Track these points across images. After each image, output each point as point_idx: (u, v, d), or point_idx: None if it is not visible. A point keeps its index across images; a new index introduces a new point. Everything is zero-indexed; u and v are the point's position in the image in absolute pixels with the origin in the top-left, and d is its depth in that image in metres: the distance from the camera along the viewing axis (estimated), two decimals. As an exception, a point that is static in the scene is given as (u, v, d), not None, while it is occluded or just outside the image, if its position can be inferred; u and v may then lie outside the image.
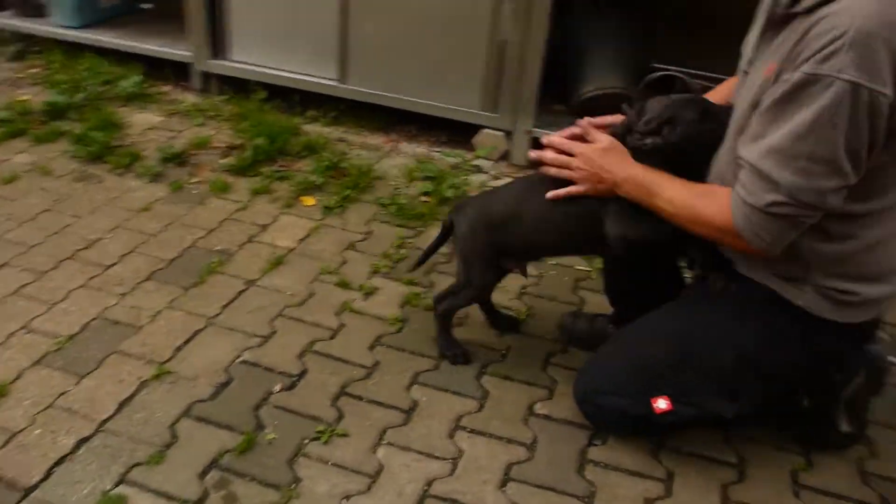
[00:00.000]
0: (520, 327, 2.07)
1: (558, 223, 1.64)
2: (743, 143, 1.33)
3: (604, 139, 1.57)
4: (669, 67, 2.82)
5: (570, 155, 1.58)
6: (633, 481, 1.62)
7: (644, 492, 1.59)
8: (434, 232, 2.47)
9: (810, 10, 1.24)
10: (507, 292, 2.23)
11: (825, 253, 1.38)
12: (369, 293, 2.18)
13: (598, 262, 2.35)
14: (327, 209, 2.58)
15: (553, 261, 2.39)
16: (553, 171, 1.61)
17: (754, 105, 1.32)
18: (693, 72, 2.81)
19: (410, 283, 2.24)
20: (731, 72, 1.64)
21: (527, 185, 1.76)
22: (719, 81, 2.05)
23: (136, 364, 1.85)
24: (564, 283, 2.30)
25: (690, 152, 1.49)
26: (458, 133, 3.09)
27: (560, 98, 3.03)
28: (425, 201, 2.67)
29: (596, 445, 1.71)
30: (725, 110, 1.47)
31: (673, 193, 1.44)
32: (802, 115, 1.21)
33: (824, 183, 1.24)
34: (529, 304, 2.18)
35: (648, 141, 1.50)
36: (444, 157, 2.98)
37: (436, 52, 2.87)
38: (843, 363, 1.60)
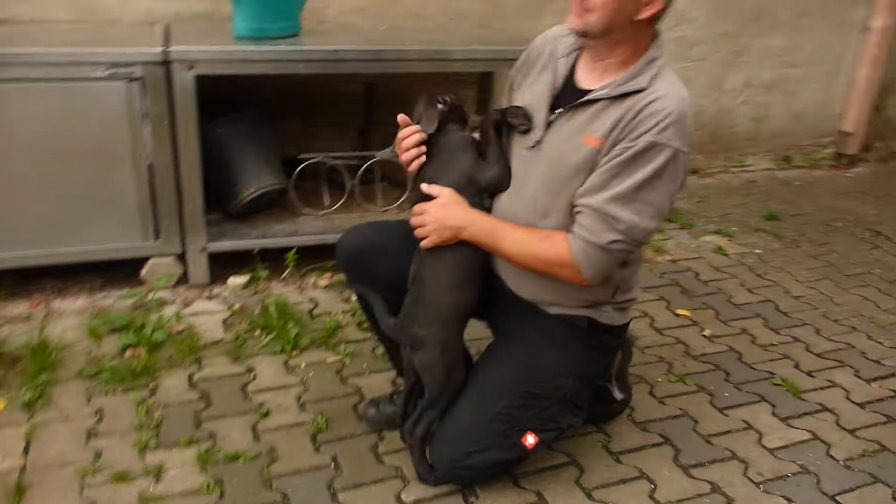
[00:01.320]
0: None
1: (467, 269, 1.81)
2: (583, 194, 1.64)
3: (443, 193, 1.76)
4: (316, 155, 3.02)
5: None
6: (520, 514, 1.83)
7: (533, 518, 1.82)
8: (168, 381, 2.28)
9: (620, 98, 1.62)
10: (288, 410, 2.20)
11: (624, 275, 1.80)
12: (158, 473, 1.93)
13: (347, 350, 2.48)
14: (28, 405, 2.15)
15: (304, 362, 2.42)
16: (417, 231, 1.80)
17: (586, 167, 1.65)
18: (333, 154, 3.07)
19: (191, 442, 2.04)
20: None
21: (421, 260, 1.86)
22: (358, 160, 2.83)
23: None
24: (330, 380, 2.35)
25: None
26: (114, 271, 2.81)
27: (214, 207, 2.99)
28: (135, 354, 2.41)
29: (473, 503, 1.86)
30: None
31: (516, 237, 1.72)
32: (643, 172, 1.59)
33: (651, 224, 1.63)
34: (318, 411, 2.19)
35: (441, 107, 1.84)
36: (119, 301, 2.70)
37: (72, 194, 2.56)
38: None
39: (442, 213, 1.76)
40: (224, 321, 2.64)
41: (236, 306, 2.72)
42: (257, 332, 2.57)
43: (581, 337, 1.84)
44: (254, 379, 2.33)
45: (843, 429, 2.24)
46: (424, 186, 1.80)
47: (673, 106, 1.60)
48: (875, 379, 2.51)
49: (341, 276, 2.95)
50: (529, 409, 1.79)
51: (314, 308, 2.75)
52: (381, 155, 3.06)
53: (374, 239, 1.97)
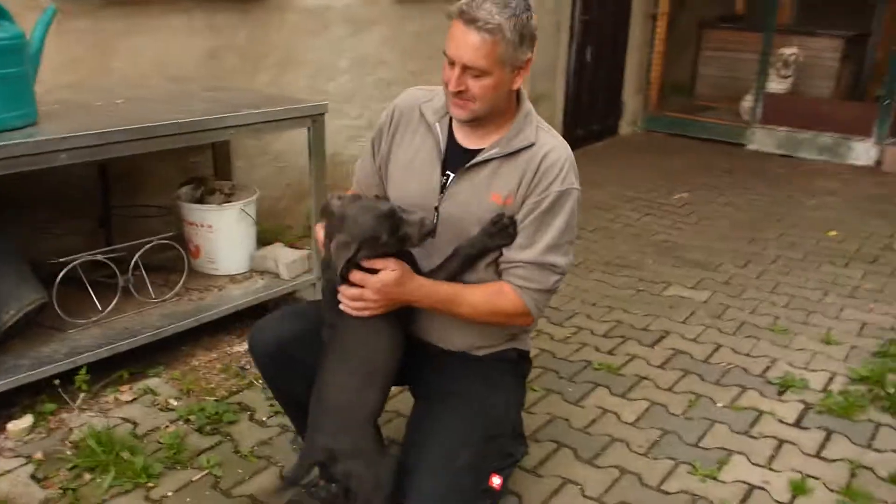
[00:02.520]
0: None
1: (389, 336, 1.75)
2: (516, 251, 1.75)
3: (391, 268, 1.66)
4: (78, 256, 2.56)
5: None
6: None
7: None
8: None
9: (513, 154, 1.72)
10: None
11: None
12: None
13: (210, 460, 2.21)
14: None
15: (168, 490, 2.09)
16: (351, 306, 1.68)
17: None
18: (94, 252, 2.64)
19: None
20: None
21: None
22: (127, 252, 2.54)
23: None
24: (213, 500, 2.07)
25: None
26: None
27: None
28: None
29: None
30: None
31: (473, 300, 1.75)
32: (561, 218, 1.74)
33: (571, 256, 1.80)
34: None
35: (337, 267, 1.65)
36: None
37: None
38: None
39: (397, 290, 1.69)
40: (33, 477, 2.13)
41: (38, 455, 2.21)
42: (87, 477, 2.13)
43: (511, 369, 1.94)
44: (122, 531, 1.95)
45: (663, 389, 2.69)
46: (364, 262, 1.68)
47: (565, 154, 1.80)
48: (654, 343, 3.05)
49: (147, 384, 2.58)
50: (489, 453, 1.83)
51: (136, 427, 2.37)
52: None
53: (293, 328, 1.82)
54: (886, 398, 2.59)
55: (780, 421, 2.50)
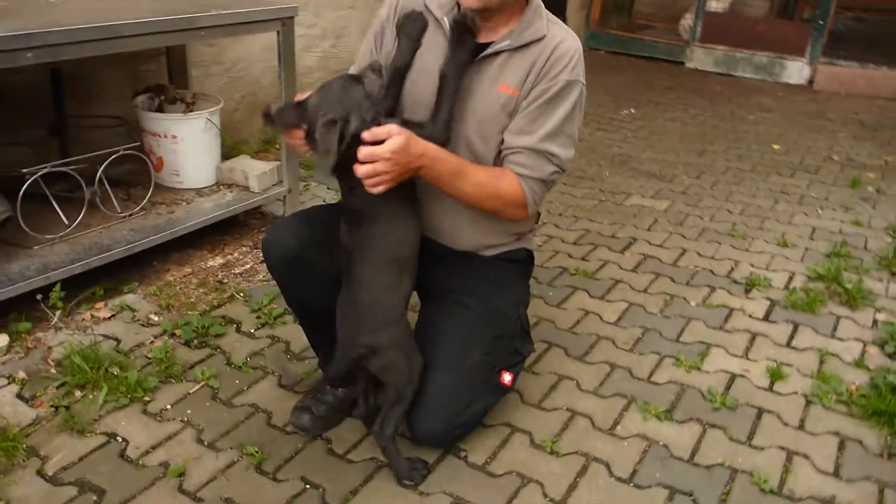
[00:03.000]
0: None
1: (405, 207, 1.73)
2: (515, 136, 1.74)
3: (398, 133, 1.56)
4: (41, 167, 2.40)
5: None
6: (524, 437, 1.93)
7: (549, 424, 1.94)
8: (17, 491, 1.79)
9: (523, 47, 1.71)
10: (202, 458, 1.88)
11: None
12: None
13: (205, 373, 2.17)
14: None
15: (166, 403, 2.05)
16: (371, 181, 1.58)
17: (505, 113, 1.76)
18: (58, 163, 2.48)
19: (125, 537, 1.63)
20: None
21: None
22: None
23: None
24: (214, 410, 2.05)
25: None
26: None
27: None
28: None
29: (465, 452, 1.89)
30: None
31: (478, 178, 1.72)
32: (564, 107, 1.73)
33: (571, 152, 1.80)
34: (238, 444, 1.91)
35: (333, 149, 1.56)
36: None
37: None
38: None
39: (407, 154, 1.57)
40: (20, 396, 2.05)
41: (21, 374, 2.12)
42: (79, 395, 2.06)
43: (517, 269, 1.97)
44: (126, 444, 1.91)
45: (639, 291, 2.79)
46: (366, 135, 1.56)
47: (575, 45, 1.79)
48: (624, 249, 3.13)
49: (123, 301, 2.50)
50: (499, 350, 1.87)
51: (119, 343, 2.30)
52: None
53: (307, 234, 1.77)
54: (844, 293, 2.75)
55: (750, 316, 2.64)
